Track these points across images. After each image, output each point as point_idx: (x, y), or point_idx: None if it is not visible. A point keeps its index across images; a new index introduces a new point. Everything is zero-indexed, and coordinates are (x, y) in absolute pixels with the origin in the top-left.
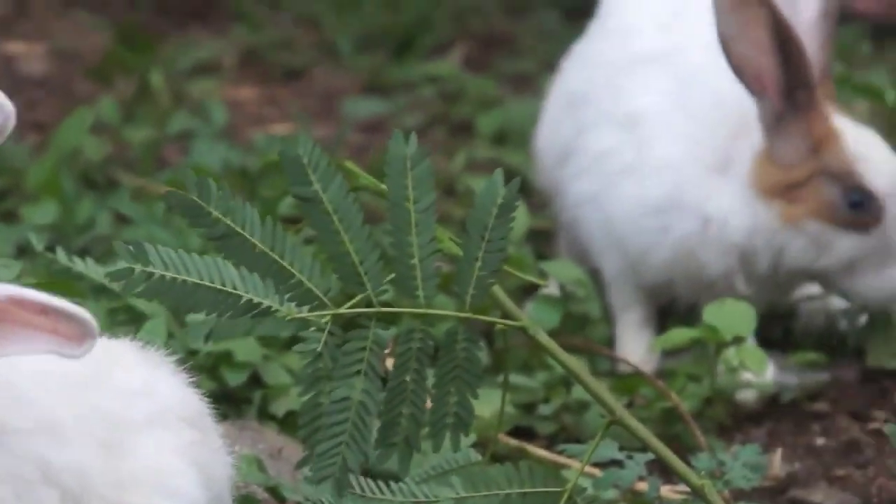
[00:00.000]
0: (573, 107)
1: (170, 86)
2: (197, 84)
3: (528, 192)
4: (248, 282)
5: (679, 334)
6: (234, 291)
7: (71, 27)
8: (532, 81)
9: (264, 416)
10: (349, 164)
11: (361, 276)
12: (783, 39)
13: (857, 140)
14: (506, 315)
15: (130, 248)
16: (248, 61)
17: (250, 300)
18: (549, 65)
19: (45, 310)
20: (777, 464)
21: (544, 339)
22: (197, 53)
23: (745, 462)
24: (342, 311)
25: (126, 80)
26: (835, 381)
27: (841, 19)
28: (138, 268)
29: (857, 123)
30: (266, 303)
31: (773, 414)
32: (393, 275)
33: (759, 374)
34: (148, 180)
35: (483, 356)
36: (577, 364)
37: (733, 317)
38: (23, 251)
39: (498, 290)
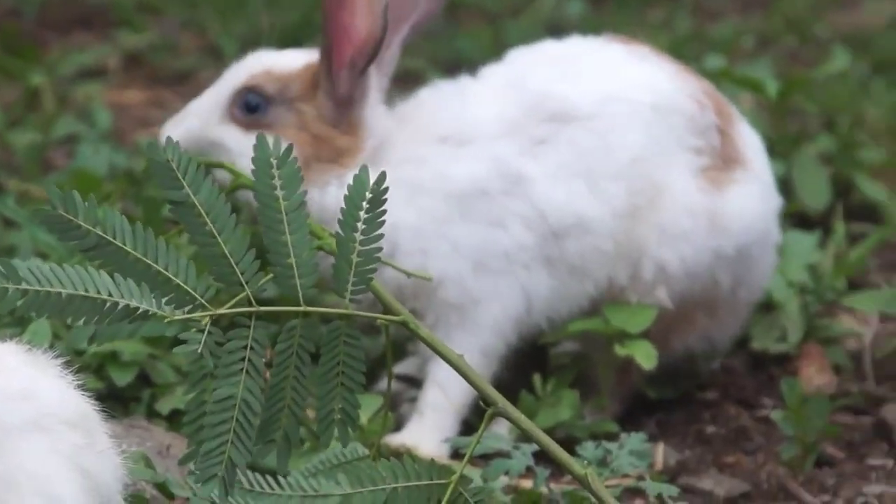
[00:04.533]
0: None
1: (54, 90)
2: (82, 88)
3: None
4: (124, 288)
5: (577, 324)
6: (109, 298)
7: None
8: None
9: (152, 414)
10: (228, 164)
11: (239, 276)
12: None
13: None
14: (387, 310)
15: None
16: (133, 65)
17: (127, 305)
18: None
19: None
20: (661, 452)
21: (425, 332)
22: (81, 58)
23: (632, 450)
24: (221, 311)
25: (10, 85)
26: (723, 370)
27: None
28: (11, 286)
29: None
30: (143, 307)
31: (663, 404)
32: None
33: (647, 367)
34: (33, 184)
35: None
36: (455, 356)
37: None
38: None
39: (377, 285)
